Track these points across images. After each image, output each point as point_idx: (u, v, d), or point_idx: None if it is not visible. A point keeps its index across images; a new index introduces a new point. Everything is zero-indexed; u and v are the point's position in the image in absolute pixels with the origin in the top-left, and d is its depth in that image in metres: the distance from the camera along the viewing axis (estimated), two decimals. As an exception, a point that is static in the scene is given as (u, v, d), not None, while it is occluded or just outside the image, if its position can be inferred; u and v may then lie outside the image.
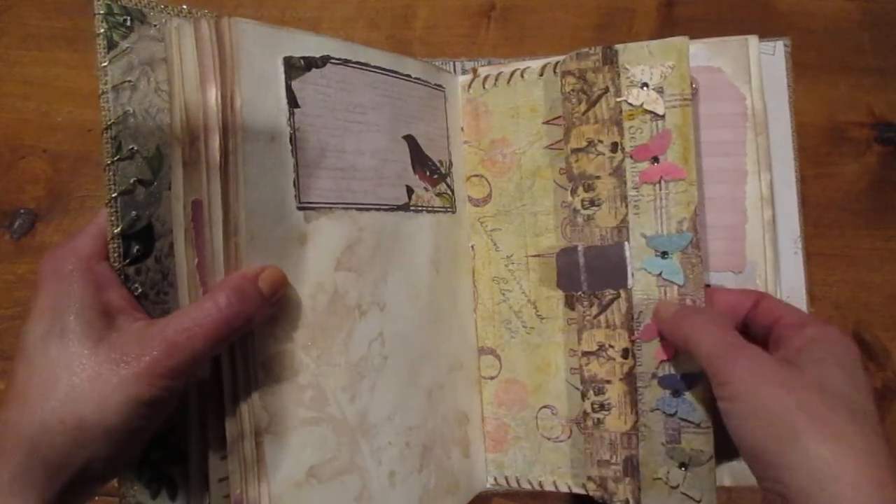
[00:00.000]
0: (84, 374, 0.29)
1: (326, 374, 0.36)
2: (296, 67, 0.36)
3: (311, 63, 0.37)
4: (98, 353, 0.29)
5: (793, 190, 0.46)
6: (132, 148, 0.34)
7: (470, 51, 0.50)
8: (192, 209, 0.33)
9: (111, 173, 0.33)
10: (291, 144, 0.35)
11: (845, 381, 0.32)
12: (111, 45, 0.34)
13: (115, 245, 0.33)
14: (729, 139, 0.43)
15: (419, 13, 0.51)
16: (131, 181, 0.34)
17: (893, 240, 0.50)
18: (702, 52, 0.44)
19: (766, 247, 0.43)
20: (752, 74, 0.43)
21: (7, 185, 0.51)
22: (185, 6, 0.36)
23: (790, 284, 0.45)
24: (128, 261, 0.34)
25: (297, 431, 0.35)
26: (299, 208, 0.36)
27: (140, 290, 0.34)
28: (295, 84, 0.36)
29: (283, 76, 0.35)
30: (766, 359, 0.33)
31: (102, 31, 0.33)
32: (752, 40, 0.43)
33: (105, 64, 0.33)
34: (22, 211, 0.51)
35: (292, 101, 0.36)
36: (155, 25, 0.35)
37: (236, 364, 0.33)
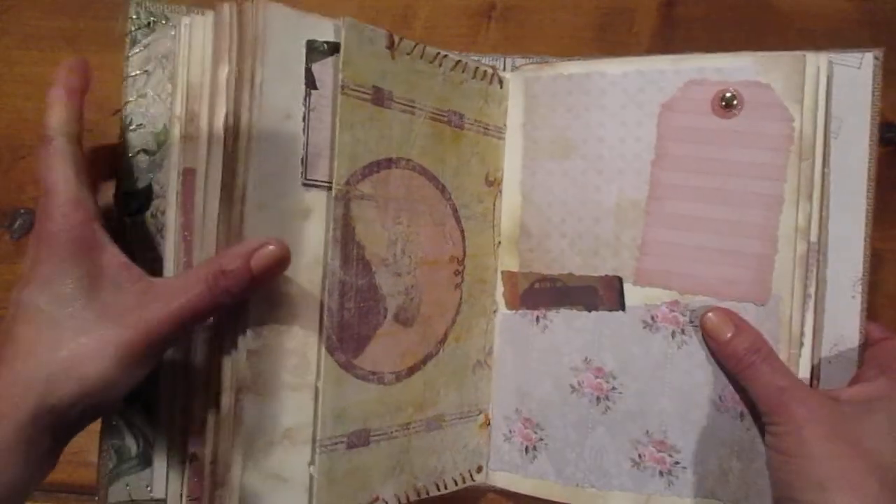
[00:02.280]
0: (88, 335, 0.32)
1: (312, 344, 0.38)
2: (318, 51, 0.38)
3: (334, 48, 0.38)
4: (100, 315, 0.33)
5: (860, 224, 0.41)
6: (140, 123, 0.40)
7: (470, 51, 0.50)
8: (183, 176, 0.39)
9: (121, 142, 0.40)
10: (304, 123, 0.37)
11: (892, 448, 0.35)
12: (135, 41, 0.40)
13: (118, 199, 0.39)
14: (767, 161, 0.40)
15: (419, 13, 0.52)
16: (137, 150, 0.40)
17: (893, 240, 0.49)
18: (749, 66, 0.41)
19: (794, 283, 0.40)
20: (805, 94, 0.40)
21: (7, 185, 0.51)
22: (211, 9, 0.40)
23: (839, 332, 0.41)
24: (127, 213, 0.40)
25: (278, 394, 0.37)
26: (304, 185, 0.37)
27: (133, 241, 0.40)
28: (316, 67, 0.38)
29: (304, 58, 0.37)
30: (816, 404, 0.36)
31: (131, 30, 0.40)
32: (812, 57, 0.40)
33: (129, 56, 0.40)
34: (22, 211, 0.51)
35: (311, 83, 0.37)
36: (175, 25, 0.40)
37: (226, 323, 0.36)
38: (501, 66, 0.48)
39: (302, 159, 0.37)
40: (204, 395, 0.37)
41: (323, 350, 0.38)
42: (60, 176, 0.34)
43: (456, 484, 0.46)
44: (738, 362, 0.39)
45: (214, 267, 0.34)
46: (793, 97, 0.40)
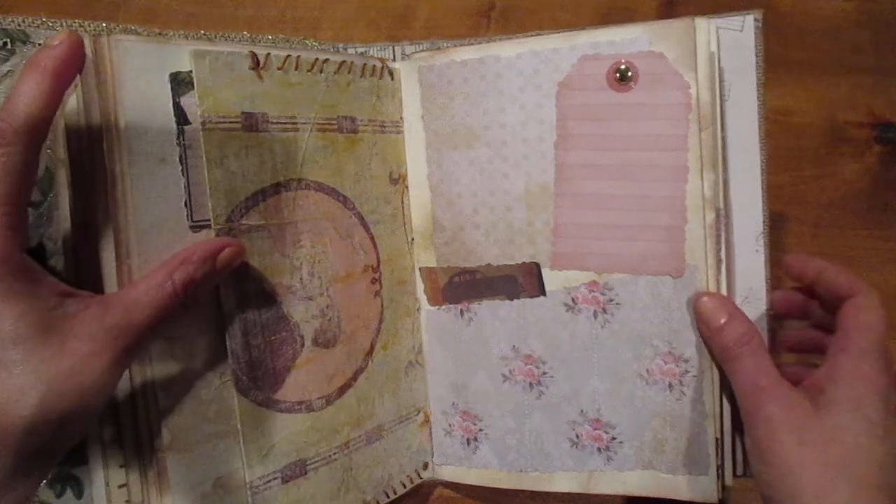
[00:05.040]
0: (61, 374, 0.29)
1: (229, 387, 0.37)
2: (184, 82, 0.35)
3: (203, 75, 0.35)
4: (67, 351, 0.29)
5: (757, 182, 0.42)
6: None
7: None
8: (75, 230, 0.34)
9: None
10: (182, 164, 0.35)
11: (868, 438, 0.34)
12: (-10, 71, 0.33)
13: None
14: (669, 132, 0.40)
15: (419, 13, 0.51)
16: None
17: (893, 240, 0.49)
18: (641, 37, 0.40)
19: (707, 251, 0.40)
20: (698, 61, 0.39)
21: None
22: (76, 21, 0.35)
23: (748, 285, 0.42)
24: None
25: (203, 446, 0.36)
26: (192, 227, 0.35)
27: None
28: (185, 100, 0.35)
29: (170, 93, 0.34)
30: (791, 408, 0.35)
31: (-21, 57, 0.33)
32: (701, 23, 0.39)
33: None
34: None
35: (181, 119, 0.35)
36: (39, 44, 0.34)
37: (135, 386, 0.34)
38: (390, 55, 0.46)
39: (185, 202, 0.35)
40: (136, 463, 0.35)
41: (235, 393, 0.37)
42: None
43: (404, 486, 0.46)
44: (725, 352, 0.39)
45: (183, 275, 0.33)
46: (687, 65, 0.39)
